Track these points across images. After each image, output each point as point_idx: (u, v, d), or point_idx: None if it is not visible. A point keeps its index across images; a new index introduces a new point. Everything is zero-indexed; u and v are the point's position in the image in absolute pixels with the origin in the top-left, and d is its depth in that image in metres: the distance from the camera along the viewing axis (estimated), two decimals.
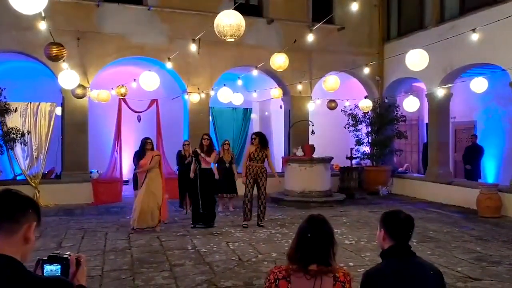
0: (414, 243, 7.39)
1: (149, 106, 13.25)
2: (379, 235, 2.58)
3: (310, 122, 13.64)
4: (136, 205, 8.50)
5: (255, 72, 11.30)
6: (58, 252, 1.79)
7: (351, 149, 14.26)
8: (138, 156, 8.83)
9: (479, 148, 13.15)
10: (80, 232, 8.46)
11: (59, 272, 1.71)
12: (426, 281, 2.44)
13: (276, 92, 12.95)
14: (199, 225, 8.91)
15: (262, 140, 9.10)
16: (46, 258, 1.73)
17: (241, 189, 11.19)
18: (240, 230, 8.71)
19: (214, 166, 10.93)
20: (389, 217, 2.58)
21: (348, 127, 14.62)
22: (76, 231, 8.60)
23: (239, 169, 10.71)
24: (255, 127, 16.77)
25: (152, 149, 8.87)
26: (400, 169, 15.41)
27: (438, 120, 12.96)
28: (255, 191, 9.13)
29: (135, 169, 9.69)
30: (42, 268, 1.70)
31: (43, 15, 6.87)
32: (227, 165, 10.76)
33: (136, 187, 9.99)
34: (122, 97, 12.00)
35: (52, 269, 1.71)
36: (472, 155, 13.14)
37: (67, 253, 1.78)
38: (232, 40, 5.80)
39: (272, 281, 2.39)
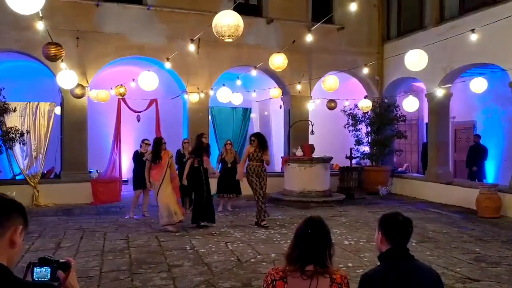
0: (413, 244, 7.39)
1: (149, 106, 13.25)
2: (377, 237, 2.56)
3: (309, 122, 13.63)
4: (168, 201, 8.54)
5: (254, 72, 11.28)
6: (49, 255, 1.78)
7: (351, 149, 14.24)
8: (155, 155, 8.78)
9: (483, 148, 13.11)
10: (79, 232, 8.45)
11: (49, 275, 1.70)
12: (424, 285, 2.43)
13: (275, 92, 12.93)
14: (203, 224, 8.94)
15: (261, 143, 9.17)
16: (36, 261, 1.72)
17: (245, 189, 11.24)
18: (239, 231, 8.69)
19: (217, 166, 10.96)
20: (387, 220, 2.56)
21: (348, 127, 14.61)
22: (74, 231, 8.59)
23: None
24: (254, 126, 16.77)
25: (165, 148, 8.97)
26: (399, 169, 15.40)
27: (438, 120, 12.95)
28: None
29: (135, 168, 9.75)
30: (32, 271, 1.69)
31: (41, 14, 6.85)
32: (229, 165, 10.74)
33: (137, 186, 9.97)
34: (121, 97, 12.00)
35: (42, 271, 1.70)
36: (476, 155, 13.11)
37: (56, 259, 1.77)
38: (230, 40, 5.78)
39: (269, 282, 2.41)
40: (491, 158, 13.42)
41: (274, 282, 2.40)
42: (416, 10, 13.82)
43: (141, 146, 10.22)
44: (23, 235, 1.67)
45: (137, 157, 10.08)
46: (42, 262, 1.71)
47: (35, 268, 1.70)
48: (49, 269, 1.71)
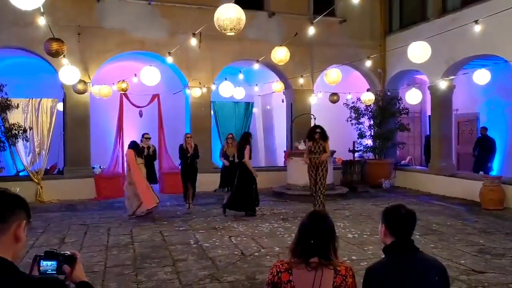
0: (417, 236, 7.38)
1: (151, 101, 13.24)
2: (381, 230, 2.56)
3: (312, 116, 13.60)
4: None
5: (256, 66, 11.25)
6: (55, 248, 1.79)
7: (354, 142, 14.22)
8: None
9: (491, 140, 13.03)
10: (83, 228, 8.48)
11: (55, 268, 1.71)
12: (428, 276, 2.42)
13: (277, 86, 12.91)
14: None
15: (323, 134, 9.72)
16: (42, 254, 1.72)
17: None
18: (243, 225, 8.70)
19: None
20: (390, 213, 2.55)
21: (351, 120, 14.57)
22: (78, 226, 8.62)
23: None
24: (257, 121, 16.75)
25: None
26: (402, 162, 15.37)
27: (441, 112, 12.90)
28: None
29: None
30: (39, 264, 1.70)
31: (42, 10, 6.84)
32: (231, 159, 10.75)
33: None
34: (123, 92, 12.00)
35: (48, 264, 1.70)
36: (483, 147, 13.04)
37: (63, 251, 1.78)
38: (233, 34, 5.76)
39: (275, 274, 2.44)
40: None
41: (280, 273, 2.42)
42: (418, 2, 13.74)
43: (141, 141, 10.20)
44: (26, 230, 1.67)
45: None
46: (48, 256, 1.72)
47: (41, 261, 1.70)
48: (55, 263, 1.71)
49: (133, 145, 9.53)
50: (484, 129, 13.21)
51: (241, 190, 9.39)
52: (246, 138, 9.68)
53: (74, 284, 1.73)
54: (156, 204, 9.42)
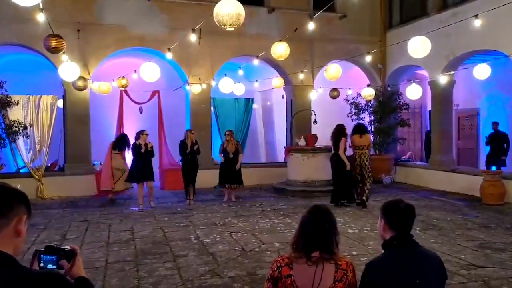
0: (417, 231, 7.40)
1: (151, 98, 13.23)
2: (380, 225, 2.55)
3: (312, 112, 13.58)
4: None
5: (256, 62, 11.24)
6: (55, 243, 1.80)
7: None
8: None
9: (503, 135, 12.92)
10: (84, 224, 8.49)
11: (56, 263, 1.71)
12: (428, 271, 2.43)
13: (277, 81, 12.89)
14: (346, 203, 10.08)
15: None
16: (43, 249, 1.73)
17: (247, 180, 11.32)
18: (243, 220, 8.71)
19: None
20: (389, 207, 2.54)
21: (351, 116, 14.53)
22: (79, 223, 8.64)
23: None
24: (257, 117, 16.74)
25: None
26: (403, 158, 15.37)
27: (441, 107, 12.89)
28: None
29: (134, 161, 10.21)
30: (39, 259, 1.70)
31: (41, 6, 6.83)
32: (231, 155, 10.71)
33: (137, 179, 10.19)
34: (123, 89, 11.99)
35: (48, 259, 1.71)
36: (497, 142, 12.92)
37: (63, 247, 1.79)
38: (232, 29, 5.75)
39: (275, 269, 2.45)
40: None
41: (280, 268, 2.43)
42: None
43: (139, 138, 10.08)
44: (27, 224, 1.67)
45: (136, 149, 10.03)
46: (49, 251, 1.73)
47: (41, 256, 1.71)
48: (56, 258, 1.72)
49: (118, 139, 11.20)
50: (496, 124, 13.00)
51: (339, 180, 10.10)
52: (341, 131, 10.32)
53: (73, 279, 1.74)
54: (107, 188, 10.85)
